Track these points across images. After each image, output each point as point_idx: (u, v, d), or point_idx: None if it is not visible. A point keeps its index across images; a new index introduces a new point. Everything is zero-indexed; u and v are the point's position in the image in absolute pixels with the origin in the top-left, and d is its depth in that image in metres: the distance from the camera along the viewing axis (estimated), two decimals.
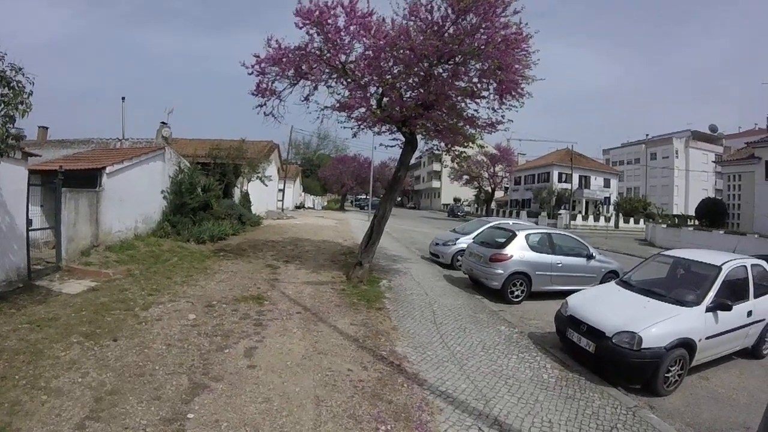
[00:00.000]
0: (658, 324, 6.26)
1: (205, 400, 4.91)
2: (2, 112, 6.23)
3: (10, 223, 8.65)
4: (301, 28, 10.33)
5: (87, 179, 12.45)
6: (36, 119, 21.72)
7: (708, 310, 6.64)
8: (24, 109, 6.35)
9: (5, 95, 6.27)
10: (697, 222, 35.11)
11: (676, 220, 37.74)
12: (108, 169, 12.79)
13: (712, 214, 33.85)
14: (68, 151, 17.46)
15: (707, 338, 6.56)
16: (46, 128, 22.61)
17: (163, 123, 18.26)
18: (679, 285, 7.71)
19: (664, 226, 34.42)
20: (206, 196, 17.77)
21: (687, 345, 6.31)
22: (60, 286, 9.00)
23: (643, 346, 6.03)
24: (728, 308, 6.66)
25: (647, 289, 7.54)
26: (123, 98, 19.43)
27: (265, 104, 11.73)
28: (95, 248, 11.80)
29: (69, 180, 10.89)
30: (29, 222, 9.23)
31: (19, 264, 8.84)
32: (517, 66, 10.00)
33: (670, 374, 6.23)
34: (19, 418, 4.25)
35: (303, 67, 10.84)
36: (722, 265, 7.28)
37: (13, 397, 4.59)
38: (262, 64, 10.90)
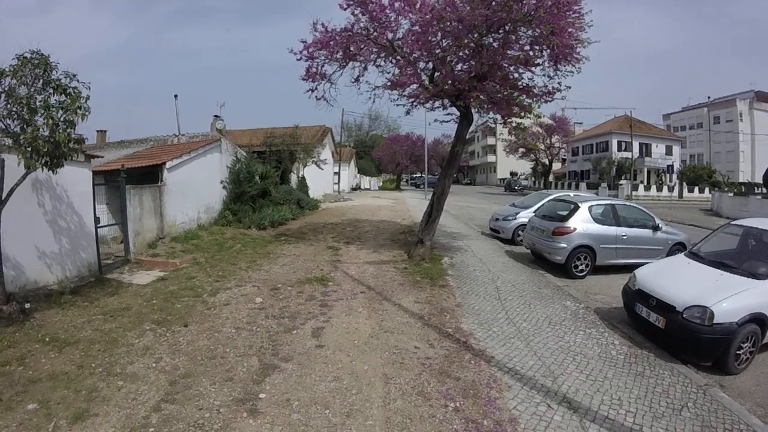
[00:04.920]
0: (730, 298, 5.87)
1: (275, 380, 4.95)
2: (62, 118, 6.45)
3: (79, 222, 9.05)
4: (345, 9, 10.20)
5: (149, 175, 12.85)
6: (93, 124, 22.73)
7: None
8: (82, 113, 6.57)
9: (62, 102, 6.49)
10: (764, 190, 32.68)
11: (743, 188, 35.23)
12: (168, 165, 13.15)
13: None
14: (128, 151, 18.19)
15: None
16: (104, 131, 23.61)
17: (216, 116, 18.56)
18: (751, 256, 7.16)
19: (731, 195, 32.30)
20: (264, 183, 18.05)
21: (759, 320, 5.89)
22: (130, 277, 9.33)
23: (714, 321, 5.70)
24: None
25: (718, 261, 7.05)
26: (176, 96, 19.92)
27: (316, 88, 11.69)
28: (161, 240, 12.21)
29: (131, 178, 11.26)
30: (97, 220, 9.60)
31: (90, 259, 9.26)
32: (570, 30, 9.45)
33: (741, 351, 5.86)
34: (96, 404, 4.37)
35: (351, 49, 10.70)
36: None
37: (91, 384, 4.73)
38: (310, 49, 10.80)
